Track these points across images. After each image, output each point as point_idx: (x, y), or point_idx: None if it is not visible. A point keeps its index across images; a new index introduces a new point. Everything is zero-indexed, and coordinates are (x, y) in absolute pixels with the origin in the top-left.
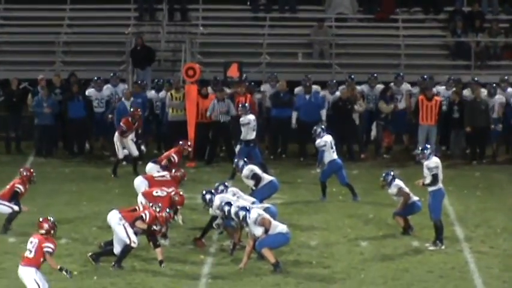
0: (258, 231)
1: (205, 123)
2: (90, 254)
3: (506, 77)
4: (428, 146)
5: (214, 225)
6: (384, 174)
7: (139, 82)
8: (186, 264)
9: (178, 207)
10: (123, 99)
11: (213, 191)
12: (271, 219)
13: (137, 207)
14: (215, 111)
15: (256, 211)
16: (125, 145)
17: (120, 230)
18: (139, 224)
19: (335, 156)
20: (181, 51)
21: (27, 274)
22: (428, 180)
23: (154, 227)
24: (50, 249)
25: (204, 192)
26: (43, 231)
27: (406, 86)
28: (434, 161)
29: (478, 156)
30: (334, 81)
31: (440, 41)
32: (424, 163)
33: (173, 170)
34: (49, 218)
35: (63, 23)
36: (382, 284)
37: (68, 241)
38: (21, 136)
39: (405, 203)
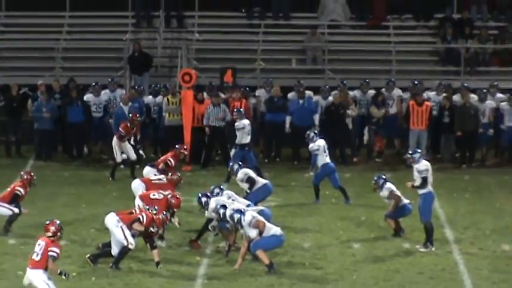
0: (253, 233)
1: (201, 128)
2: (88, 255)
3: (495, 83)
4: (419, 150)
5: (209, 227)
6: (375, 178)
7: (136, 87)
8: (182, 265)
9: (175, 209)
10: (121, 104)
11: (208, 194)
12: (266, 222)
13: (134, 210)
14: (211, 118)
15: (251, 214)
16: (123, 149)
17: (118, 232)
18: (136, 226)
19: (328, 160)
20: (178, 58)
21: (36, 276)
22: (418, 183)
23: (151, 229)
24: (54, 254)
25: (200, 195)
26: (49, 234)
27: (397, 92)
28: (424, 164)
29: (468, 160)
30: (327, 86)
31: (431, 47)
32: (414, 166)
33: (170, 174)
34: (55, 220)
35: (63, 29)
36: (374, 285)
37: (66, 243)
38: (21, 140)
39: (396, 205)
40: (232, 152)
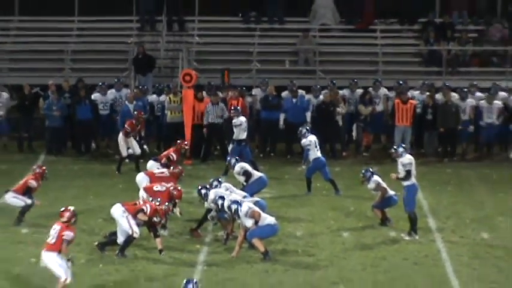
0: (249, 222)
1: (201, 125)
2: (96, 243)
3: (475, 82)
4: (403, 145)
5: (209, 217)
6: (363, 171)
7: (140, 87)
8: (183, 252)
9: (177, 200)
10: (126, 102)
11: (207, 186)
12: (261, 212)
13: (138, 201)
14: (210, 116)
15: (247, 204)
16: (129, 145)
17: (124, 221)
18: (140, 216)
19: (319, 154)
20: (179, 59)
21: (50, 258)
22: (402, 175)
23: (155, 218)
24: (68, 237)
25: (199, 187)
26: (64, 220)
27: (383, 91)
28: (408, 158)
29: (449, 155)
30: (318, 86)
31: (415, 49)
32: (398, 160)
33: (172, 167)
34: (70, 207)
35: (72, 33)
36: (362, 271)
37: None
38: (33, 136)
39: (383, 196)
40: (230, 147)
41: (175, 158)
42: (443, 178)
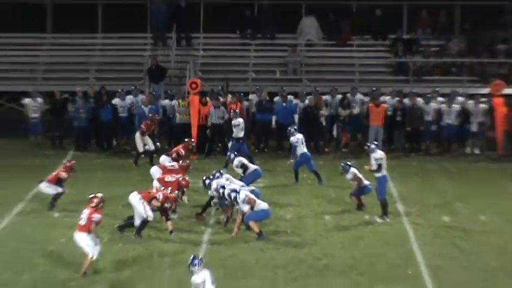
0: (246, 208)
1: (205, 125)
2: (116, 225)
3: (437, 89)
4: (375, 143)
5: (212, 203)
6: (342, 164)
7: (154, 93)
8: (190, 233)
9: (185, 189)
10: (142, 106)
11: (211, 177)
12: (256, 199)
13: (152, 190)
14: (213, 117)
15: (244, 192)
16: (145, 142)
17: (140, 207)
18: (154, 202)
19: (305, 150)
20: (186, 70)
21: (81, 238)
22: (374, 168)
23: (166, 204)
24: (96, 219)
25: (204, 178)
26: (93, 204)
27: (359, 96)
28: (379, 154)
29: (415, 150)
30: (304, 92)
31: (386, 61)
32: (371, 155)
33: (181, 161)
34: (98, 194)
35: (95, 48)
36: (341, 248)
37: None
38: (63, 135)
39: (359, 186)
40: (230, 144)
41: (183, 154)
42: (410, 170)
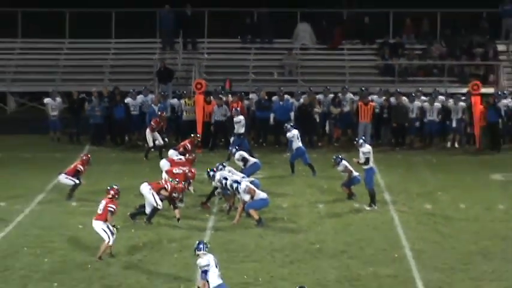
0: (246, 197)
1: (209, 122)
2: (129, 213)
3: (420, 89)
4: (363, 138)
5: (215, 193)
6: (334, 157)
7: (162, 93)
8: (196, 220)
9: (191, 180)
10: (152, 105)
11: (214, 169)
12: (256, 189)
13: (161, 181)
14: (216, 115)
15: (245, 183)
16: (155, 137)
17: (150, 196)
18: (163, 192)
19: (300, 144)
20: (192, 71)
21: (98, 225)
22: (362, 161)
23: (174, 194)
24: (112, 209)
25: (208, 170)
26: (110, 196)
27: (349, 95)
28: (367, 148)
29: (400, 144)
30: (299, 91)
31: (374, 63)
32: (360, 149)
33: (187, 155)
34: (114, 186)
35: (109, 52)
36: (333, 234)
37: None
38: (80, 131)
39: (349, 177)
40: (232, 139)
41: (190, 148)
42: (395, 162)
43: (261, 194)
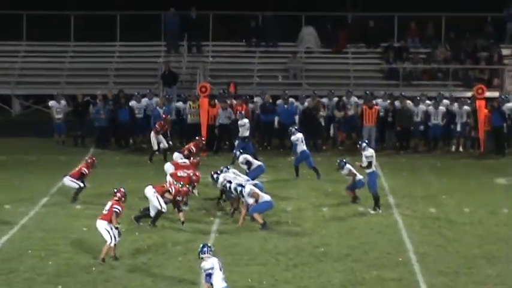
0: (250, 200)
1: (214, 125)
2: (133, 216)
3: (425, 92)
4: (366, 142)
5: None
6: (338, 160)
7: (167, 96)
8: (200, 223)
9: (195, 183)
10: (157, 108)
11: (218, 172)
12: (260, 192)
13: (165, 184)
14: (221, 118)
15: (249, 186)
16: (159, 140)
17: (154, 199)
18: (167, 195)
19: (304, 147)
20: (197, 75)
21: (101, 225)
22: (365, 165)
23: (178, 197)
24: (117, 210)
25: (212, 173)
26: (116, 198)
27: (354, 99)
28: (370, 152)
29: (404, 148)
30: (304, 95)
31: (378, 67)
32: (363, 153)
33: (192, 158)
34: (121, 188)
35: (114, 54)
36: (338, 237)
37: None
38: (85, 134)
39: (353, 180)
40: (236, 142)
41: (194, 151)
42: (400, 166)
43: (265, 197)
